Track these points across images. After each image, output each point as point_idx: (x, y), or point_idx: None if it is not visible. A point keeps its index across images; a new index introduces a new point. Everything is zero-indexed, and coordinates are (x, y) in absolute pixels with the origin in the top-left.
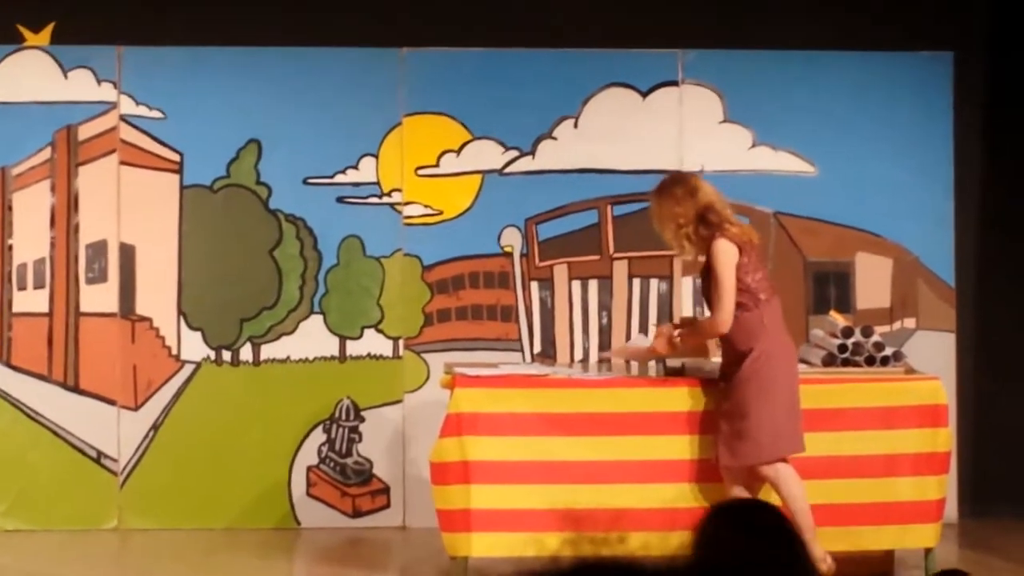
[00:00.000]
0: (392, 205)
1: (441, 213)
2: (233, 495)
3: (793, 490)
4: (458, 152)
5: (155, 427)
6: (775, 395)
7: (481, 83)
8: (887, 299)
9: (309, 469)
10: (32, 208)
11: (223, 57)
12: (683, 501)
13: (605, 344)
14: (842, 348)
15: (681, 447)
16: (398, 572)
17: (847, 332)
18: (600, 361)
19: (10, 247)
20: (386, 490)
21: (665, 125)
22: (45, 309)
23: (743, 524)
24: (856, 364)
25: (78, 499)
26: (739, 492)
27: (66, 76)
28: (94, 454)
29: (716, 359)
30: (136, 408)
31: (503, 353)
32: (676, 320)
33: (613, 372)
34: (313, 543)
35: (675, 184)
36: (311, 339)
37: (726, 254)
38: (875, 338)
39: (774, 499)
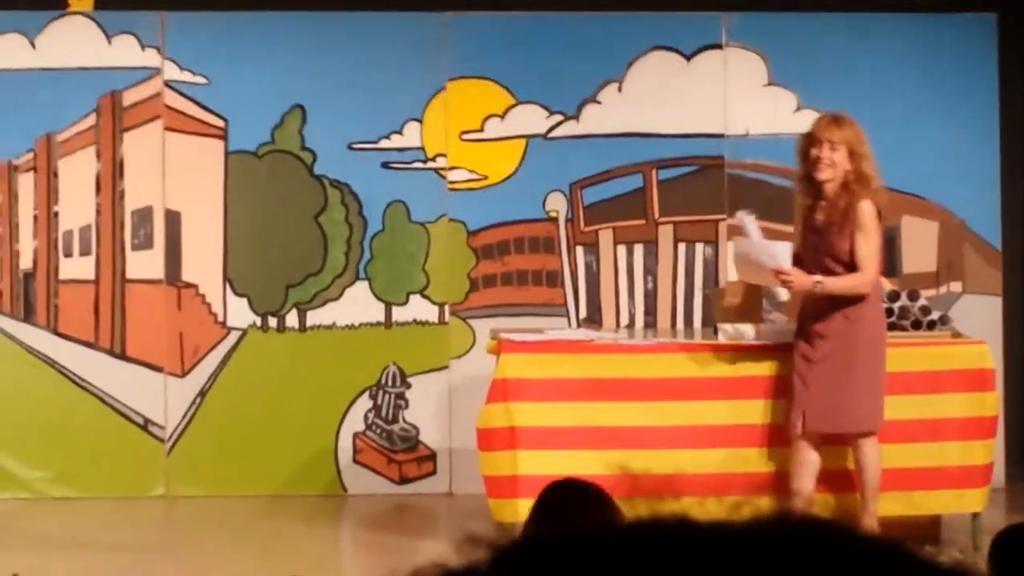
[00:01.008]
0: (437, 170)
1: (486, 178)
2: (279, 462)
3: (879, 465)
4: (503, 117)
5: (202, 394)
6: (878, 364)
7: (525, 47)
8: (933, 263)
9: (355, 436)
10: (78, 175)
11: (266, 22)
12: (731, 466)
13: (650, 309)
14: (888, 312)
15: (729, 411)
16: (445, 538)
17: (893, 296)
18: (645, 326)
19: (56, 214)
20: (432, 456)
21: (709, 88)
22: (91, 276)
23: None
24: (902, 328)
25: (125, 466)
26: (808, 458)
27: (110, 42)
28: (141, 421)
29: (754, 325)
30: (183, 375)
31: (549, 319)
32: (722, 284)
33: (658, 337)
34: (359, 510)
35: (857, 124)
36: (357, 305)
37: (874, 218)
38: (921, 302)
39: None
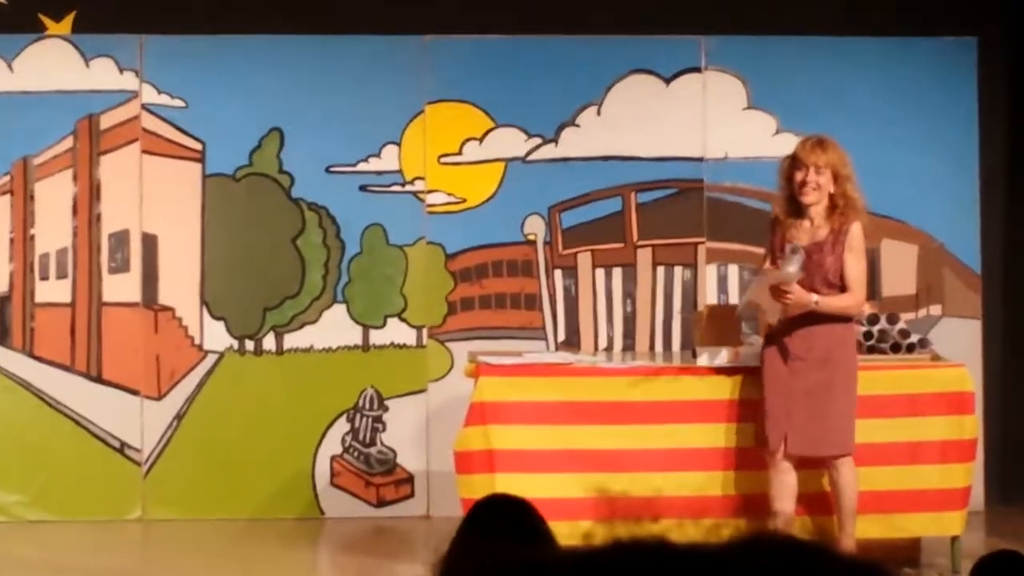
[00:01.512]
0: (415, 193)
1: (464, 201)
2: (257, 485)
3: (856, 486)
4: (481, 140)
5: (178, 417)
6: (855, 386)
7: (504, 70)
8: (913, 286)
9: (333, 459)
10: (54, 198)
11: (245, 45)
12: (709, 489)
13: (629, 332)
14: (868, 335)
15: (708, 434)
16: (422, 562)
17: (873, 319)
18: (623, 349)
19: (32, 237)
20: (410, 479)
21: (689, 112)
22: (68, 299)
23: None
24: (882, 351)
25: (101, 490)
26: (787, 479)
27: (88, 65)
28: (117, 444)
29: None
30: (159, 398)
31: (527, 342)
32: (701, 307)
33: (637, 360)
34: (337, 533)
35: (840, 146)
36: (334, 328)
37: (862, 240)
38: (900, 325)
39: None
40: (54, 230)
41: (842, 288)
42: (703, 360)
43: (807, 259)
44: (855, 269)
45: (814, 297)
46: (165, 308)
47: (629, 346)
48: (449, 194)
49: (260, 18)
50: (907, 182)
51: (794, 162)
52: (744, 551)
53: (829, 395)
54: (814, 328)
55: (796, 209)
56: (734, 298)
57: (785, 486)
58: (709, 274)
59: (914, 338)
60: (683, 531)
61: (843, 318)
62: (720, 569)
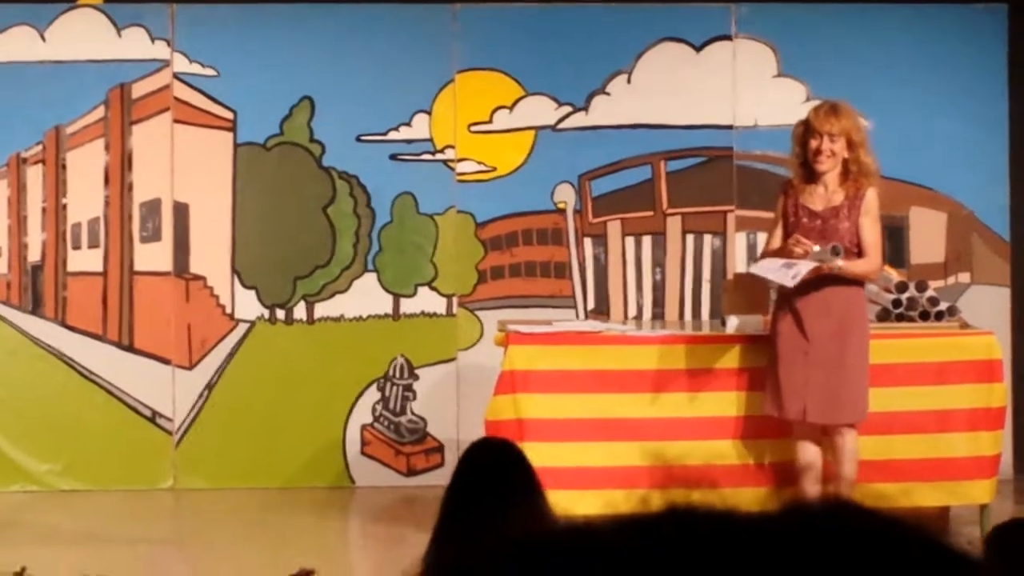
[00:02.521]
0: (445, 162)
1: (494, 170)
2: (287, 454)
3: (857, 456)
4: (511, 108)
5: (209, 386)
6: (867, 355)
7: (534, 39)
8: (941, 254)
9: (363, 428)
10: (86, 167)
11: (276, 14)
12: (738, 457)
13: (659, 300)
14: (896, 303)
15: (735, 403)
16: None
17: (901, 287)
18: (653, 317)
19: (64, 206)
20: (440, 448)
21: (719, 79)
22: (100, 268)
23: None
24: (910, 319)
25: (133, 459)
26: (811, 448)
27: (119, 34)
28: (149, 414)
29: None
30: (191, 367)
31: (557, 310)
32: (730, 275)
33: (666, 329)
34: (367, 502)
35: (853, 111)
36: (365, 297)
37: (877, 205)
38: (929, 293)
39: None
40: (86, 199)
41: (858, 254)
42: (732, 328)
43: (822, 224)
44: (871, 234)
45: (838, 262)
46: (196, 277)
47: (658, 314)
48: (479, 162)
49: None
50: (936, 149)
51: (808, 129)
52: (822, 523)
53: (845, 362)
54: (830, 294)
55: (810, 174)
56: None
57: (809, 469)
58: (739, 242)
59: (943, 306)
60: (722, 498)
61: (857, 284)
62: (798, 543)
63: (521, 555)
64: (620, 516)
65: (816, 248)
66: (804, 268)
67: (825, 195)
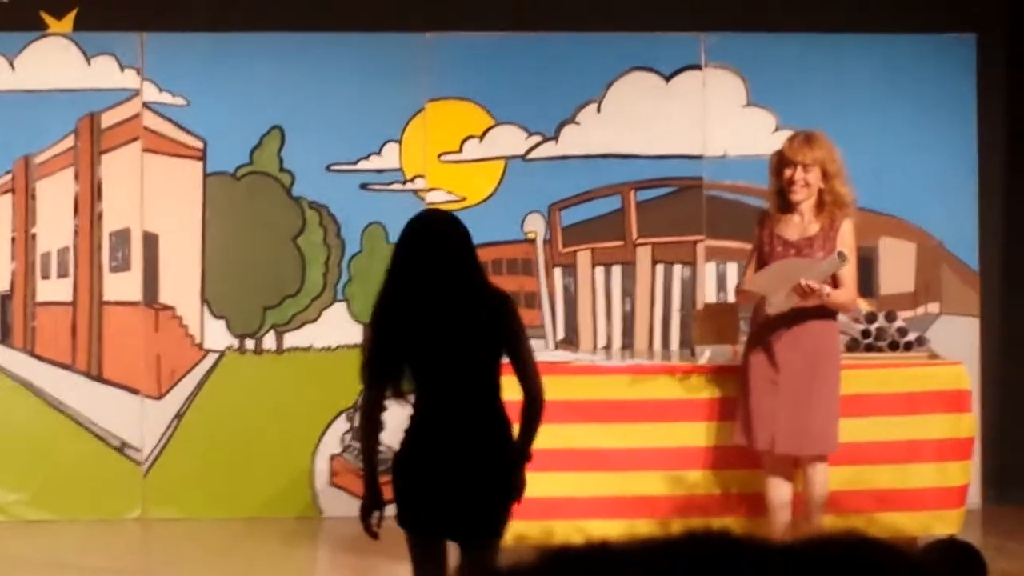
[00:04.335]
0: (415, 191)
1: (464, 199)
2: (256, 484)
3: (827, 487)
4: (481, 138)
5: (178, 416)
6: (838, 386)
7: (504, 68)
8: (911, 284)
9: (332, 458)
10: (56, 196)
11: (246, 43)
12: (707, 488)
13: (628, 330)
14: (865, 333)
15: (705, 433)
16: None
17: (870, 317)
18: (622, 347)
19: (34, 236)
20: None
21: (688, 109)
22: (69, 298)
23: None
24: (879, 349)
25: (101, 489)
26: (781, 481)
27: (89, 63)
28: (117, 444)
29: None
30: (159, 397)
31: None
32: (700, 305)
33: (636, 359)
34: (336, 532)
35: (828, 141)
36: (334, 327)
37: (854, 238)
38: (898, 323)
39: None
40: (55, 229)
41: (832, 285)
42: (702, 358)
43: (796, 254)
44: (848, 267)
45: (827, 289)
46: (166, 307)
47: (628, 344)
48: (449, 192)
49: (261, 16)
50: (906, 180)
51: (782, 159)
52: (825, 548)
53: (814, 393)
54: (803, 325)
55: (785, 204)
56: (732, 296)
57: (778, 500)
58: (708, 272)
59: (912, 336)
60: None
61: (830, 316)
62: (805, 564)
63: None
64: (641, 538)
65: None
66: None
67: (800, 225)
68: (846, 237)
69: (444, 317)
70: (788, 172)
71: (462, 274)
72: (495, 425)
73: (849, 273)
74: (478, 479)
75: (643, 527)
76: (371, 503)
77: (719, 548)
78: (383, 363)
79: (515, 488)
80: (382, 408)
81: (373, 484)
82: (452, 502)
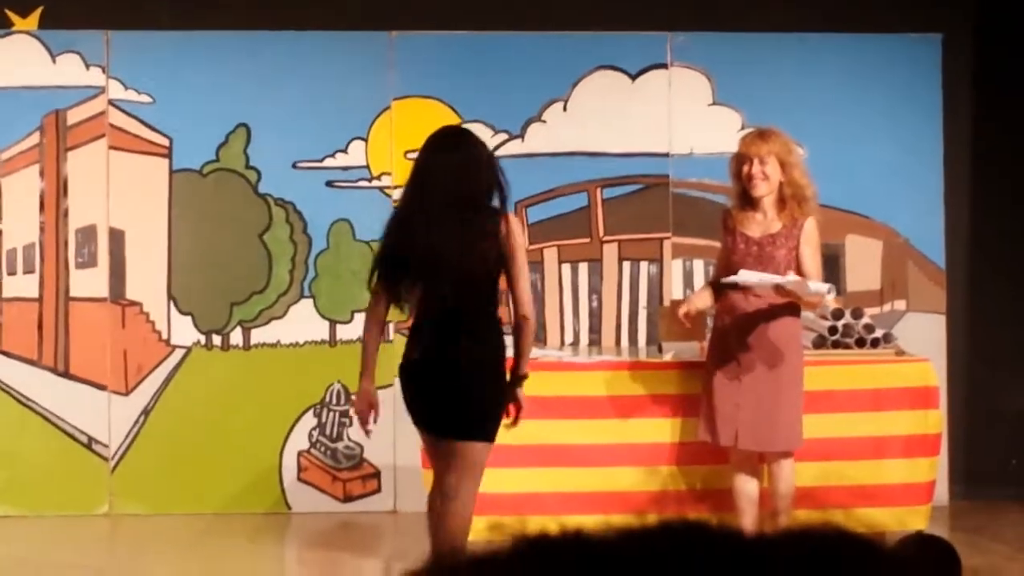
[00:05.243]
0: (381, 189)
1: None
2: (224, 480)
3: (794, 483)
4: None
5: (145, 412)
6: (801, 382)
7: (470, 66)
8: (877, 281)
9: (300, 454)
10: (21, 193)
11: (212, 41)
12: (673, 483)
13: (595, 327)
14: (832, 330)
15: (671, 429)
16: (389, 557)
17: (837, 314)
18: (589, 344)
19: (0, 232)
20: (377, 474)
21: (654, 107)
22: (35, 294)
23: None
24: (846, 346)
25: (69, 484)
26: (747, 478)
27: (54, 61)
28: (85, 439)
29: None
30: (127, 393)
31: None
32: (667, 302)
33: (603, 355)
34: (304, 528)
35: (783, 134)
36: (301, 323)
37: (817, 234)
38: (865, 320)
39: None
40: (21, 225)
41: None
42: (668, 355)
43: (759, 250)
44: (813, 263)
45: (830, 296)
46: (132, 303)
47: (595, 341)
48: None
49: (226, 14)
50: (872, 178)
51: (739, 158)
52: (801, 542)
53: (778, 390)
54: (763, 319)
55: (747, 202)
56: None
57: (743, 497)
58: (675, 269)
59: (878, 333)
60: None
61: (792, 313)
62: (780, 557)
63: (525, 561)
64: (617, 527)
65: (811, 286)
66: (792, 281)
67: (763, 222)
68: (810, 235)
69: (444, 233)
70: (746, 168)
71: (466, 192)
72: (488, 335)
73: (814, 271)
74: (465, 386)
75: (615, 522)
76: (360, 398)
77: (695, 537)
78: (385, 269)
79: (502, 398)
80: (380, 312)
81: (364, 379)
82: (442, 405)
